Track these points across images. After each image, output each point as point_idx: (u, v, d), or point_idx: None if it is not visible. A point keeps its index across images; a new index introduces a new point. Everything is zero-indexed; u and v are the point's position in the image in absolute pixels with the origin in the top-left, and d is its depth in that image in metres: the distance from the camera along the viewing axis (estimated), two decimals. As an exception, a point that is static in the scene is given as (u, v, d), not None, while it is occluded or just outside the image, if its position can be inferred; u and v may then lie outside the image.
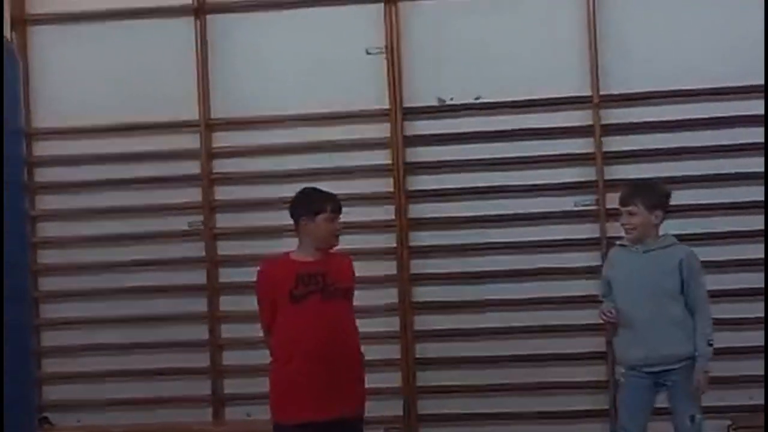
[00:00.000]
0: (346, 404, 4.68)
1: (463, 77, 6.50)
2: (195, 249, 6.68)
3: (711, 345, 4.99)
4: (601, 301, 5.21)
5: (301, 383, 4.62)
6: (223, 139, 6.74)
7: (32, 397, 6.04)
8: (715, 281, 5.48)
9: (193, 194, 6.69)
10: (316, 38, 6.62)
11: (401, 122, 6.53)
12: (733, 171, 6.24)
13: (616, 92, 6.38)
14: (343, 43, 6.58)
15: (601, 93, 6.37)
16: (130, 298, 6.68)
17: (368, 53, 6.54)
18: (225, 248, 6.71)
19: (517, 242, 6.43)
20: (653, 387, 5.05)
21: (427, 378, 6.53)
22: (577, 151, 6.44)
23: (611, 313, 5.03)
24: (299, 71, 6.62)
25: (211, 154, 6.71)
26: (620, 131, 6.40)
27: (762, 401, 5.71)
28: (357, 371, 4.78)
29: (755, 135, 6.17)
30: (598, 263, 6.30)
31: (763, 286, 6.00)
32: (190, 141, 6.71)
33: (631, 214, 5.06)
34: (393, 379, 6.47)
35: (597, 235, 6.37)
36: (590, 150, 6.39)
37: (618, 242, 5.28)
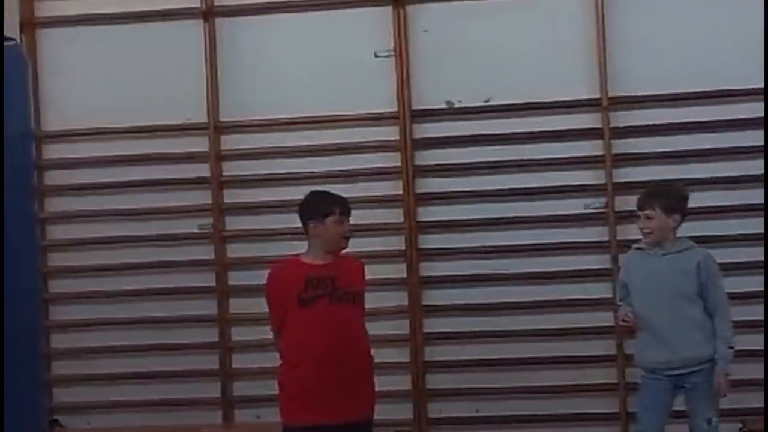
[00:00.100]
0: (355, 408, 4.67)
1: (472, 80, 6.49)
2: (204, 251, 6.69)
3: (732, 348, 5.00)
4: (617, 305, 5.20)
5: (310, 387, 4.62)
6: (231, 142, 6.75)
7: (42, 400, 6.06)
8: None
9: (202, 197, 6.70)
10: (325, 41, 6.62)
11: (410, 125, 6.53)
12: (742, 173, 6.22)
13: (625, 95, 6.37)
14: (352, 46, 6.58)
15: (611, 95, 6.36)
16: (139, 301, 6.69)
17: (377, 56, 6.55)
18: (234, 251, 6.71)
19: (527, 245, 6.43)
20: (672, 390, 5.06)
21: (436, 381, 6.53)
22: (587, 154, 6.43)
23: (629, 317, 5.02)
24: (308, 74, 6.62)
25: (220, 157, 6.71)
26: (630, 134, 6.39)
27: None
28: (366, 375, 4.78)
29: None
30: (608, 266, 6.32)
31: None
32: (199, 144, 6.72)
33: (648, 217, 5.05)
34: (403, 382, 6.47)
35: (607, 237, 6.36)
36: (600, 152, 6.38)
37: (634, 245, 5.27)
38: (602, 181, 6.37)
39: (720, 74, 6.22)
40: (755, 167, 6.20)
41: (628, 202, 6.22)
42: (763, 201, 6.13)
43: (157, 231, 6.69)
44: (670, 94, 6.30)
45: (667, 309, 4.99)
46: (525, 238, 6.43)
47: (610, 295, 6.20)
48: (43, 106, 6.82)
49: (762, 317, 6.04)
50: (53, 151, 6.85)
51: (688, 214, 5.14)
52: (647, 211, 5.06)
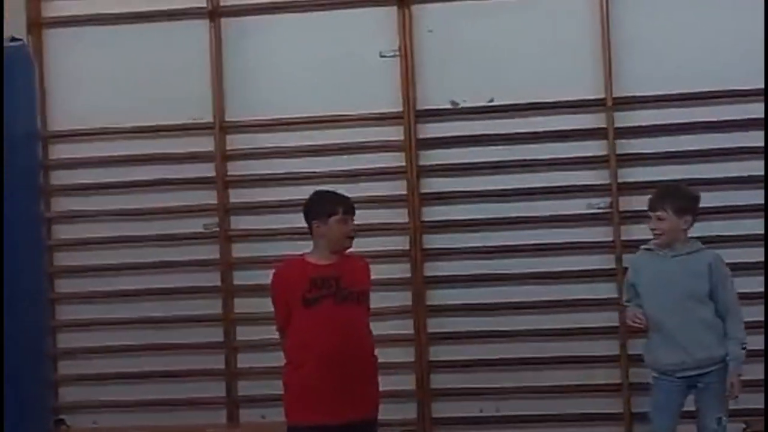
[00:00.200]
0: (358, 408, 4.68)
1: (476, 80, 6.50)
2: (210, 251, 6.70)
3: (744, 348, 5.01)
4: (622, 305, 5.20)
5: (314, 387, 4.63)
6: (237, 142, 6.76)
7: (48, 399, 6.10)
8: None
9: (207, 197, 6.71)
10: (330, 41, 6.63)
11: (414, 125, 6.54)
12: (748, 174, 6.22)
13: (629, 95, 6.37)
14: (357, 46, 6.59)
15: (615, 95, 6.35)
16: (144, 301, 6.70)
17: (382, 56, 6.56)
18: (239, 250, 6.72)
19: (531, 245, 6.43)
20: (685, 391, 5.07)
21: (441, 381, 6.53)
22: (591, 154, 6.43)
23: (640, 318, 5.02)
24: (313, 74, 6.63)
25: (225, 157, 6.73)
26: (634, 134, 6.39)
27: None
28: (370, 375, 4.79)
29: (770, 137, 6.16)
30: (612, 266, 6.32)
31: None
32: (204, 143, 6.73)
33: (660, 218, 5.05)
34: (407, 382, 6.47)
35: (611, 238, 6.36)
36: (604, 152, 6.38)
37: (642, 246, 5.26)
38: (606, 181, 6.37)
39: (724, 74, 6.22)
40: (761, 167, 6.18)
41: (633, 203, 6.24)
42: None
43: (162, 231, 6.70)
44: (674, 94, 6.30)
45: (678, 310, 4.99)
46: (529, 238, 6.43)
47: (614, 296, 6.21)
48: (50, 106, 6.84)
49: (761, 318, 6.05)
50: (59, 151, 6.87)
51: (697, 215, 5.14)
52: (659, 212, 5.05)
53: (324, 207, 4.78)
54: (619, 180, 6.34)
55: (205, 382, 6.68)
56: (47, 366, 6.09)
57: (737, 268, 5.50)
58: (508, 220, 6.45)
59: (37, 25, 6.83)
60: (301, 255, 4.87)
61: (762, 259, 6.11)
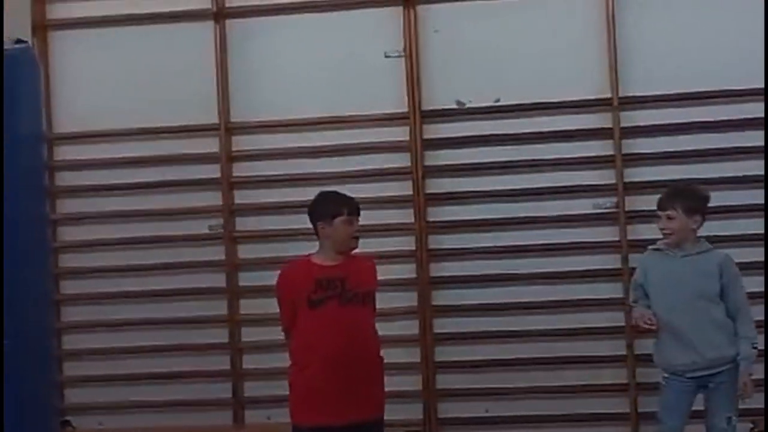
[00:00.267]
0: (363, 408, 4.68)
1: (482, 80, 6.49)
2: (215, 252, 6.71)
3: (755, 348, 5.00)
4: (628, 305, 5.19)
5: (319, 388, 4.63)
6: (242, 143, 6.77)
7: (54, 400, 6.10)
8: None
9: (213, 198, 6.71)
10: (335, 42, 6.63)
11: (420, 125, 6.53)
12: (754, 173, 6.20)
13: (635, 94, 6.36)
14: (362, 46, 6.59)
15: (621, 95, 6.35)
16: (150, 301, 6.71)
17: (387, 57, 6.55)
18: (245, 251, 6.73)
19: (537, 245, 6.42)
20: (695, 391, 5.07)
21: (446, 381, 6.53)
22: (597, 154, 6.42)
23: (652, 319, 5.00)
24: (318, 75, 6.63)
25: (230, 158, 6.73)
26: (640, 133, 6.38)
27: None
28: (376, 375, 4.78)
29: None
30: (618, 266, 6.31)
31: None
32: (210, 144, 6.73)
33: (669, 218, 5.03)
34: (413, 383, 6.47)
35: (617, 237, 6.35)
36: (610, 152, 6.37)
37: (650, 247, 5.25)
38: (612, 181, 6.36)
39: (730, 74, 6.20)
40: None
41: (639, 202, 6.24)
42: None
43: (167, 232, 6.70)
44: (680, 94, 6.29)
45: (688, 310, 4.98)
46: (535, 238, 6.42)
47: (620, 295, 6.21)
48: (55, 108, 6.85)
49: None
50: (64, 153, 6.88)
51: (706, 214, 5.13)
52: (669, 212, 5.03)
53: (329, 208, 4.77)
54: (625, 180, 6.34)
55: (211, 383, 6.68)
56: (53, 367, 6.09)
57: (747, 267, 5.50)
58: (513, 220, 6.45)
59: (42, 27, 6.84)
60: (306, 256, 4.86)
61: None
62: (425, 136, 6.55)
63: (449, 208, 6.55)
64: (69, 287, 6.84)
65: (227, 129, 6.72)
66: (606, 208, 6.39)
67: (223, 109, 6.70)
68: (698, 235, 5.10)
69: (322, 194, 4.91)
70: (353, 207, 4.79)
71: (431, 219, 6.55)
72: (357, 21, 6.64)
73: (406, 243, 6.55)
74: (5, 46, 5.48)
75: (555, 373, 6.39)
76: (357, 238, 4.81)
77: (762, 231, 6.11)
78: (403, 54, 6.55)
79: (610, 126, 6.38)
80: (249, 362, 6.69)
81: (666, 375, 5.12)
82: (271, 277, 4.97)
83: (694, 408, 5.14)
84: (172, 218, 6.72)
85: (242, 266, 6.71)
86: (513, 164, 6.46)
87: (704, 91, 6.26)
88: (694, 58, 6.26)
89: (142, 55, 6.79)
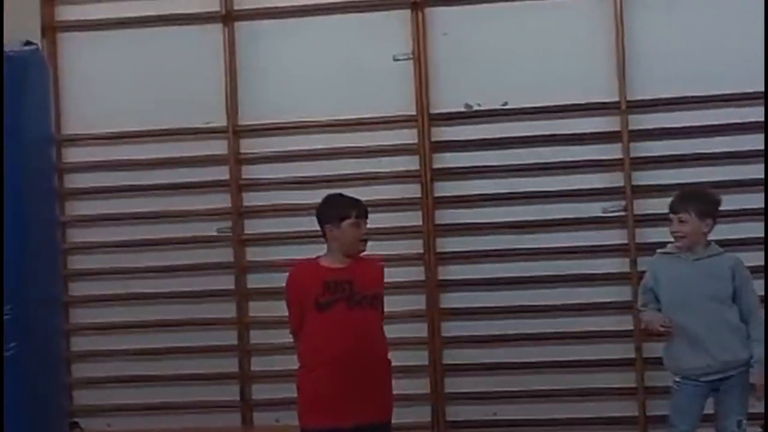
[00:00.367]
0: (371, 411, 4.67)
1: (490, 83, 6.49)
2: (223, 255, 6.71)
3: None
4: (637, 309, 5.17)
5: (326, 391, 4.63)
6: (250, 145, 6.77)
7: (63, 402, 6.11)
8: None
9: (221, 200, 6.72)
10: (344, 45, 6.63)
11: (428, 128, 6.54)
12: (763, 176, 6.18)
13: (644, 98, 6.35)
14: (371, 49, 6.59)
15: (629, 99, 6.34)
16: (159, 304, 6.71)
17: (395, 59, 6.56)
18: (253, 254, 6.73)
19: (545, 248, 6.42)
20: (707, 394, 5.05)
21: (455, 384, 6.53)
22: (605, 157, 6.42)
23: (667, 322, 4.97)
24: (327, 78, 6.63)
25: (239, 160, 6.74)
26: (648, 137, 6.37)
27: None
28: (383, 378, 4.78)
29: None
30: (627, 269, 6.30)
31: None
32: (218, 147, 6.74)
33: (681, 221, 5.02)
34: (421, 386, 6.47)
35: (625, 241, 6.34)
36: (618, 156, 6.37)
37: (659, 250, 5.24)
38: (621, 184, 6.36)
39: (738, 77, 6.20)
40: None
41: (647, 206, 6.23)
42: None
43: (175, 234, 6.71)
44: (688, 97, 6.28)
45: (702, 313, 4.97)
46: (544, 242, 6.42)
47: (629, 299, 6.20)
48: (64, 110, 6.86)
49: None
50: (73, 155, 6.89)
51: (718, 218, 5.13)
52: (681, 215, 5.02)
53: (336, 210, 4.77)
54: (634, 183, 6.33)
55: (219, 385, 6.68)
56: (62, 369, 6.10)
57: (755, 270, 5.50)
58: (522, 223, 6.44)
59: (51, 28, 6.85)
60: (315, 258, 4.86)
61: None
62: (433, 139, 6.55)
63: (457, 211, 6.55)
64: (78, 289, 6.85)
65: (235, 131, 6.72)
66: (614, 212, 6.38)
67: (232, 111, 6.71)
68: (712, 237, 5.10)
69: (329, 197, 4.91)
70: (361, 210, 4.79)
71: (439, 222, 6.55)
72: (365, 24, 6.64)
73: (414, 246, 6.55)
74: (14, 48, 5.50)
75: (564, 376, 6.38)
76: (365, 240, 4.82)
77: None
78: (411, 57, 6.55)
79: (618, 129, 6.37)
80: (257, 364, 6.69)
81: (678, 379, 5.10)
82: (279, 280, 4.98)
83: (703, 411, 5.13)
84: (181, 220, 6.73)
85: (251, 269, 6.71)
86: (521, 167, 6.46)
87: (712, 95, 6.25)
88: (702, 62, 6.25)
89: (151, 57, 6.80)
